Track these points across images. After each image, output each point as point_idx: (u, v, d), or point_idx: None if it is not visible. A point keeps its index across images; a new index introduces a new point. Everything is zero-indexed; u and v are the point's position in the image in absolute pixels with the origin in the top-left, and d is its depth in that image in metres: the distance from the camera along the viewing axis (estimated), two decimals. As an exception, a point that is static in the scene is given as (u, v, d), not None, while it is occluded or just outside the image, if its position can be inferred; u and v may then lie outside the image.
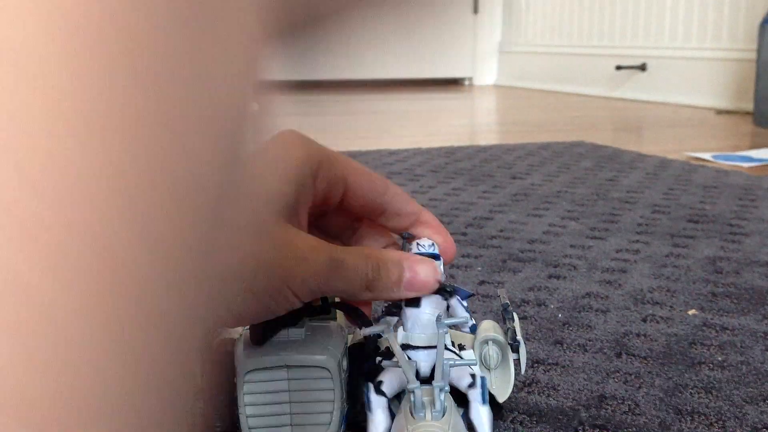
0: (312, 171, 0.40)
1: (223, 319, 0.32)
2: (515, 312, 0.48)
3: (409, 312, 0.41)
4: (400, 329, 0.42)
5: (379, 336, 0.42)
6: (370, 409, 0.38)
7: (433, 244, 0.43)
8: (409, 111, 2.62)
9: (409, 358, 0.40)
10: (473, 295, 0.43)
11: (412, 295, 0.40)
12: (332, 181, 0.41)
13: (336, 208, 0.44)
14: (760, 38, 2.16)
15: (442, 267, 0.42)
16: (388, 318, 0.43)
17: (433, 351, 0.39)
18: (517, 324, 0.45)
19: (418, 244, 0.43)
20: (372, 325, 0.41)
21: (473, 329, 0.45)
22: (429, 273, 0.40)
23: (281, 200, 0.38)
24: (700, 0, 2.70)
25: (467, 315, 0.42)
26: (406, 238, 0.44)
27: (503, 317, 0.45)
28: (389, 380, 0.39)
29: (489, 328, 0.45)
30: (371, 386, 0.39)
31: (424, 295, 0.41)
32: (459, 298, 0.42)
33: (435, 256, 0.42)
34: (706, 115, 2.46)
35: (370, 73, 3.66)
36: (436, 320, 0.40)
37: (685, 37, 2.78)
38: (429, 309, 0.41)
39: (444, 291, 0.41)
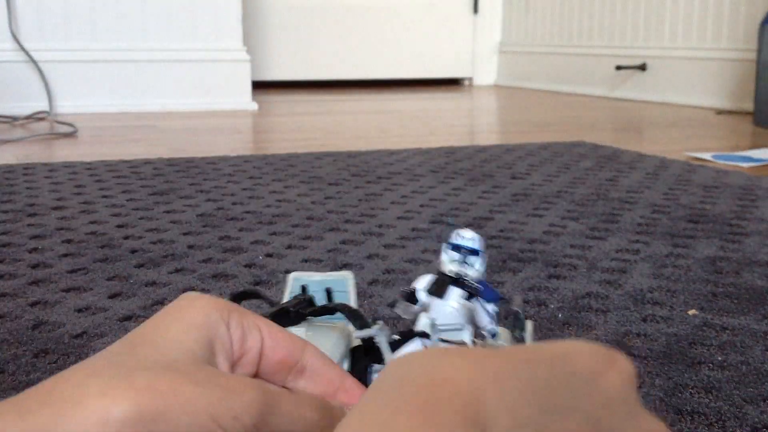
0: (223, 318, 0.35)
1: None
2: (530, 320, 0.47)
3: (433, 302, 0.40)
4: (424, 315, 0.41)
5: (373, 339, 0.42)
6: None
7: (475, 237, 0.41)
8: (409, 111, 2.62)
9: (426, 348, 0.40)
10: (503, 298, 0.41)
11: None
12: (246, 328, 0.36)
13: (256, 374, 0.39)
14: (760, 38, 2.16)
15: (480, 264, 0.41)
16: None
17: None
18: (528, 332, 0.45)
19: (458, 234, 0.41)
20: (370, 327, 0.41)
21: (493, 333, 0.42)
22: None
23: (196, 344, 0.33)
24: (700, 0, 2.70)
25: (488, 319, 0.40)
26: (450, 225, 0.43)
27: (513, 324, 0.45)
28: None
29: (499, 335, 0.45)
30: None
31: (450, 287, 0.40)
32: (482, 300, 0.41)
33: (475, 252, 0.41)
34: (706, 115, 2.46)
35: (370, 73, 3.66)
36: (431, 327, 0.39)
37: (685, 37, 2.78)
38: (453, 302, 0.40)
39: (466, 290, 0.39)
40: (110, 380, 0.30)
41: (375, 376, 0.40)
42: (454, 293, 0.40)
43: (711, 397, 0.55)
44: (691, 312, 0.72)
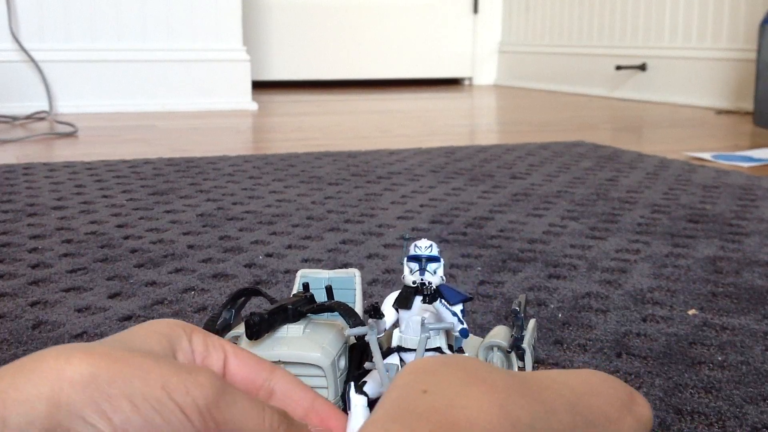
0: (186, 333, 0.36)
1: None
2: (533, 318, 0.47)
3: (402, 314, 0.41)
4: (396, 330, 0.42)
5: (364, 337, 0.42)
6: (349, 407, 0.38)
7: (431, 245, 0.42)
8: (409, 111, 2.62)
9: (402, 360, 0.40)
10: (470, 299, 0.42)
11: None
12: (209, 345, 0.36)
13: None
14: (760, 38, 2.16)
15: (442, 269, 0.42)
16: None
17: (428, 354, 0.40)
18: (529, 331, 0.44)
19: (416, 245, 0.42)
20: (364, 326, 0.41)
21: (464, 334, 0.43)
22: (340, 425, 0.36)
23: (154, 349, 0.34)
24: (700, 0, 2.70)
25: (454, 320, 0.41)
26: (407, 240, 0.44)
27: (513, 323, 0.45)
28: (373, 381, 0.40)
29: (497, 333, 0.45)
30: (352, 385, 0.39)
31: (415, 297, 0.41)
32: (444, 302, 0.41)
33: (434, 259, 0.42)
34: (706, 115, 2.46)
35: (370, 73, 3.66)
36: (421, 324, 0.40)
37: (685, 37, 2.78)
38: (420, 312, 0.41)
39: (423, 295, 0.40)
40: (69, 349, 0.30)
41: (371, 373, 0.40)
42: (419, 302, 0.41)
43: (711, 397, 0.55)
44: (691, 312, 0.72)
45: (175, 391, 0.30)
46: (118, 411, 0.29)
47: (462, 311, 0.41)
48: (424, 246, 0.42)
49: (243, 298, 0.46)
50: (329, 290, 0.44)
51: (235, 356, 0.36)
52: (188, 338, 0.36)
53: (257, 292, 0.46)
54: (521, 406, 0.27)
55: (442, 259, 0.41)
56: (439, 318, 0.41)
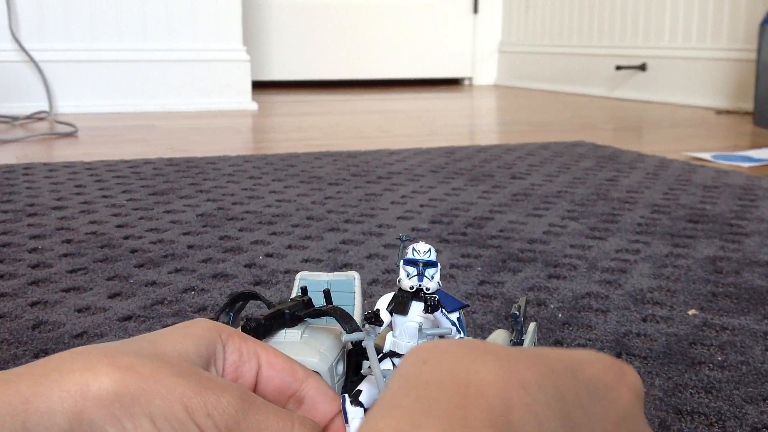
0: (221, 339, 0.36)
1: None
2: (534, 322, 0.46)
3: (397, 319, 0.41)
4: (390, 335, 0.41)
5: (360, 343, 0.41)
6: (346, 420, 0.38)
7: (430, 250, 0.42)
8: (409, 111, 2.62)
9: (395, 366, 0.40)
10: (466, 306, 0.42)
11: None
12: (244, 353, 0.36)
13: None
14: (760, 38, 2.16)
15: (438, 274, 0.42)
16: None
17: None
18: (529, 335, 0.44)
19: (414, 249, 0.42)
20: (360, 331, 0.41)
21: None
22: None
23: (193, 351, 0.34)
24: (700, 0, 2.70)
25: (450, 326, 0.41)
26: (404, 241, 0.43)
27: (512, 327, 0.45)
28: (368, 390, 0.39)
29: (497, 338, 0.44)
30: (347, 397, 0.38)
31: (413, 302, 0.40)
32: (444, 310, 0.41)
33: (431, 264, 0.41)
34: (706, 115, 2.46)
35: (370, 73, 3.66)
36: (418, 330, 0.39)
37: (685, 37, 2.78)
38: (416, 317, 0.40)
39: (426, 304, 0.40)
40: (95, 357, 0.30)
41: (365, 381, 0.40)
42: (416, 308, 0.40)
43: (711, 397, 0.55)
44: (691, 312, 0.72)
45: (196, 412, 0.30)
46: (140, 430, 0.29)
47: (459, 319, 0.41)
48: (422, 251, 0.41)
49: (241, 302, 0.46)
50: (327, 294, 0.44)
51: (268, 365, 0.37)
52: (224, 345, 0.36)
53: (254, 296, 0.46)
54: (526, 367, 0.27)
55: (439, 264, 0.41)
56: (435, 324, 0.40)
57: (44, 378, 0.30)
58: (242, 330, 0.40)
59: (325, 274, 0.48)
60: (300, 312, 0.43)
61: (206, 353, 0.34)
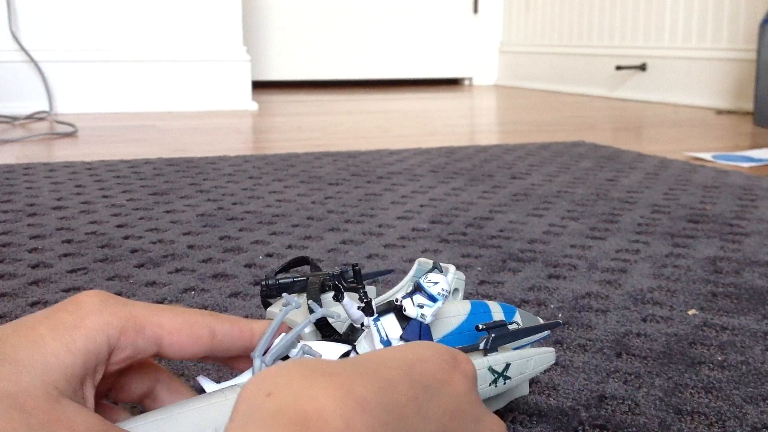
0: (109, 340, 0.36)
1: None
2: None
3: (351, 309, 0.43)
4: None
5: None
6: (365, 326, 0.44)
7: (438, 284, 0.43)
8: (409, 111, 2.62)
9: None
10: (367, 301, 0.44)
11: None
12: (139, 347, 0.37)
13: (139, 363, 0.41)
14: (760, 38, 2.16)
15: (434, 310, 0.43)
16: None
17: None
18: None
19: (429, 280, 0.43)
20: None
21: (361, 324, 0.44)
22: None
23: (64, 372, 0.33)
24: (700, 0, 2.70)
25: (359, 317, 0.42)
26: (434, 269, 0.46)
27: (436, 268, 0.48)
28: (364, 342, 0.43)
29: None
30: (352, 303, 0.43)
31: (389, 314, 0.43)
32: (349, 302, 0.43)
33: (432, 298, 0.42)
34: (706, 115, 2.46)
35: (369, 73, 3.66)
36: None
37: (685, 37, 2.78)
38: (393, 333, 0.43)
39: (335, 293, 0.43)
40: None
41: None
42: (389, 321, 0.43)
43: (711, 397, 0.55)
44: (691, 312, 0.72)
45: None
46: None
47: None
48: (433, 282, 0.43)
49: (295, 267, 0.54)
50: (357, 272, 0.46)
51: (171, 346, 0.38)
52: (110, 346, 0.36)
53: (307, 261, 0.54)
54: (364, 385, 0.29)
55: (440, 300, 0.43)
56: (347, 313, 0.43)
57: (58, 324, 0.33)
58: (261, 291, 0.48)
59: (451, 266, 0.51)
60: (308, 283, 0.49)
61: (84, 368, 0.35)
